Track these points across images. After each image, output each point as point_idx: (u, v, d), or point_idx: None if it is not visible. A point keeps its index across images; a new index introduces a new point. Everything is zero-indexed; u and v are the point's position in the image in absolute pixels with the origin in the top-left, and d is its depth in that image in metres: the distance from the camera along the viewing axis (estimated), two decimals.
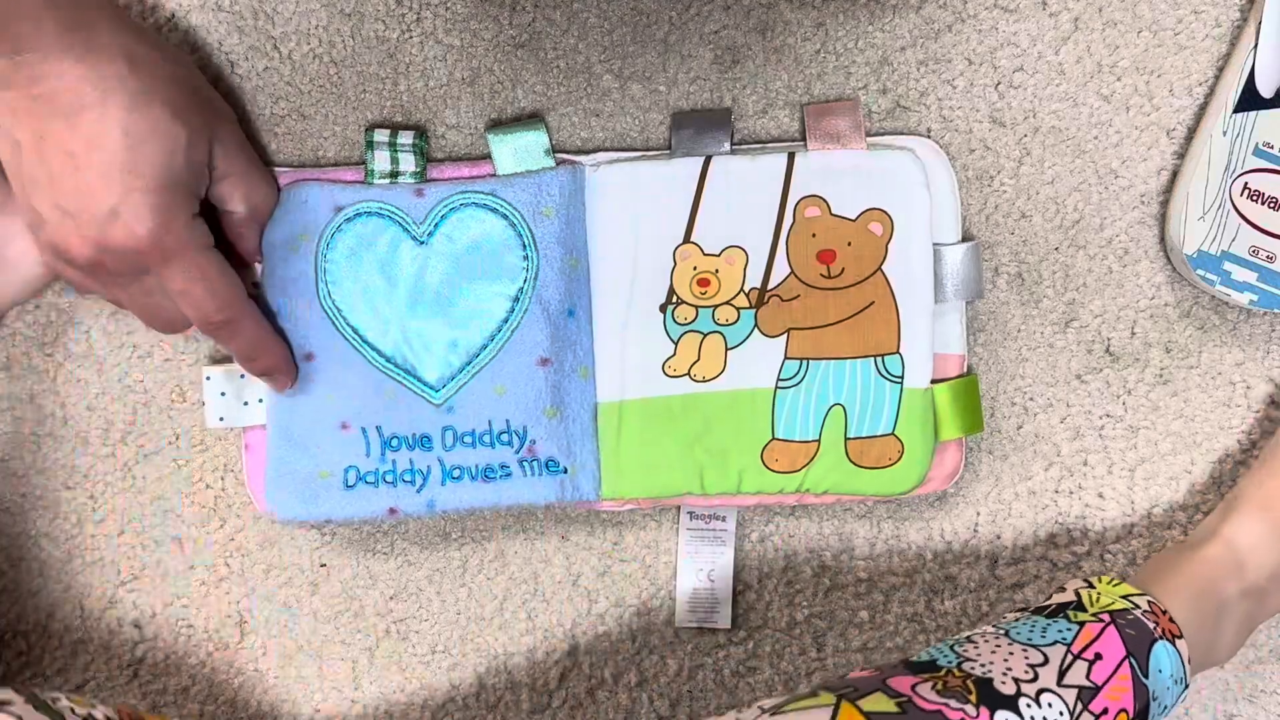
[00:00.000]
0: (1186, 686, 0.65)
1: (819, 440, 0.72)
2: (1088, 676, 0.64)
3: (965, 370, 0.74)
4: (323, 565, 0.78)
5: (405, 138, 0.72)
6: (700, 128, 0.73)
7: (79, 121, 0.60)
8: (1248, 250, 0.72)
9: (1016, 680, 0.63)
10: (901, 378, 0.72)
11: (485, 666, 0.79)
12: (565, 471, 0.73)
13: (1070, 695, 0.63)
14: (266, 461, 0.73)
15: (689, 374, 0.73)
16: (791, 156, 0.72)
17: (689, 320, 0.73)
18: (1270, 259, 0.72)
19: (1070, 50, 0.74)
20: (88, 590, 0.77)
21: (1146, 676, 0.64)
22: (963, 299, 0.73)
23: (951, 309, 0.73)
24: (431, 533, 0.78)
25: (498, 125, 0.74)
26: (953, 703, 0.60)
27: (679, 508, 0.77)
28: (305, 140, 0.74)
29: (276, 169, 0.73)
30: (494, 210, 0.72)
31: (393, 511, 0.73)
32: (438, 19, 0.73)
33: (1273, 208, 0.72)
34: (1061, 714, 0.62)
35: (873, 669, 0.63)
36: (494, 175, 0.72)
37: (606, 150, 0.74)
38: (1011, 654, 0.63)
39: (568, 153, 0.74)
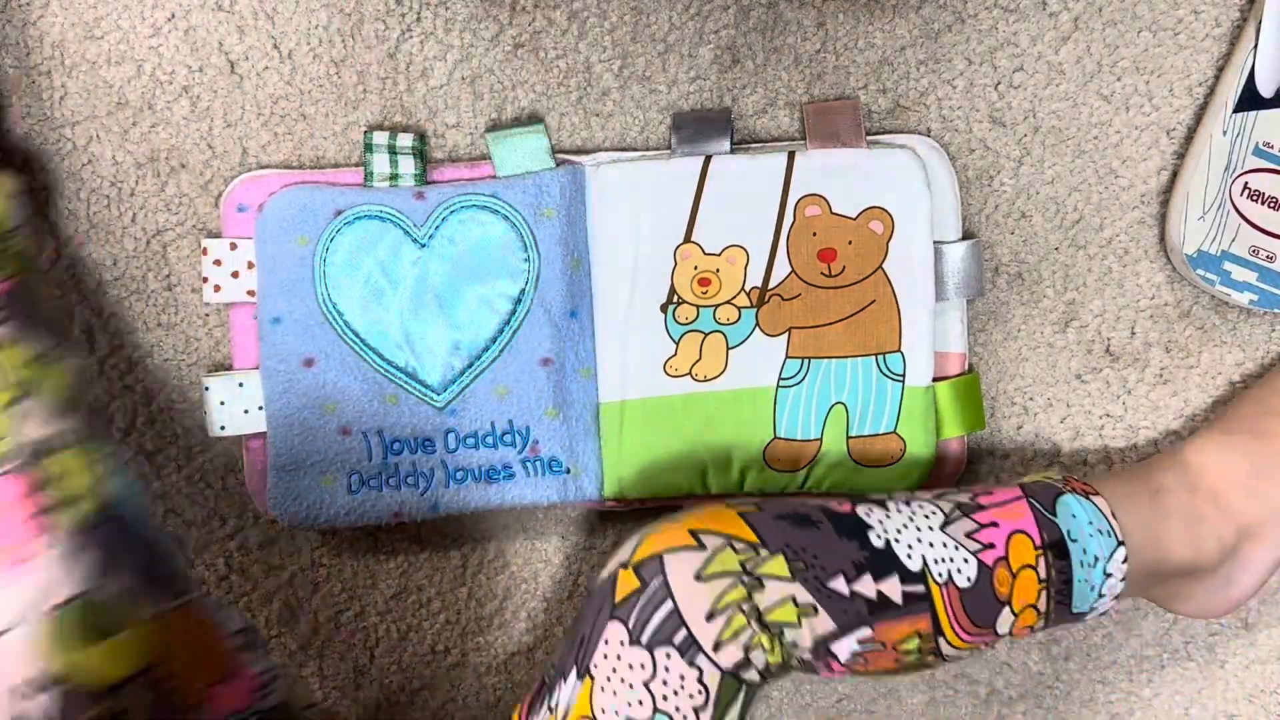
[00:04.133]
0: (1120, 544, 0.64)
1: (821, 439, 0.72)
2: (973, 499, 0.64)
3: (966, 368, 0.74)
4: (323, 565, 0.78)
5: (404, 140, 0.72)
6: (700, 127, 0.73)
7: None
8: (1248, 250, 0.72)
9: (891, 495, 0.65)
10: (903, 376, 0.72)
11: (485, 666, 0.78)
12: (568, 471, 0.73)
13: (947, 505, 0.64)
14: (269, 468, 0.73)
15: (690, 373, 0.73)
16: (791, 155, 0.72)
17: (690, 320, 0.73)
18: (1270, 259, 0.72)
19: (1070, 50, 0.74)
20: None
21: (1054, 516, 0.64)
22: (964, 297, 0.73)
23: (952, 307, 0.73)
24: (432, 533, 0.78)
25: (498, 126, 0.74)
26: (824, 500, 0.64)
27: (681, 507, 0.76)
28: (305, 140, 0.74)
29: (276, 170, 0.73)
30: (495, 212, 0.72)
31: (397, 515, 0.73)
32: (438, 19, 0.73)
33: (1273, 207, 0.72)
34: (931, 515, 0.63)
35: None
36: (494, 177, 0.72)
37: (606, 150, 0.74)
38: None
39: (568, 153, 0.74)
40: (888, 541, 0.61)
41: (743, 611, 0.59)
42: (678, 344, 0.73)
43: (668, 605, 0.59)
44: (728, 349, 0.73)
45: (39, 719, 0.58)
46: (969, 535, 0.62)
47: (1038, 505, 0.64)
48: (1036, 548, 0.62)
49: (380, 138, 0.72)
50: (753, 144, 0.74)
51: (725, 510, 0.63)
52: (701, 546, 0.60)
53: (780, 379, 0.72)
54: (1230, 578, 0.69)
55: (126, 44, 0.74)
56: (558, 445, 0.73)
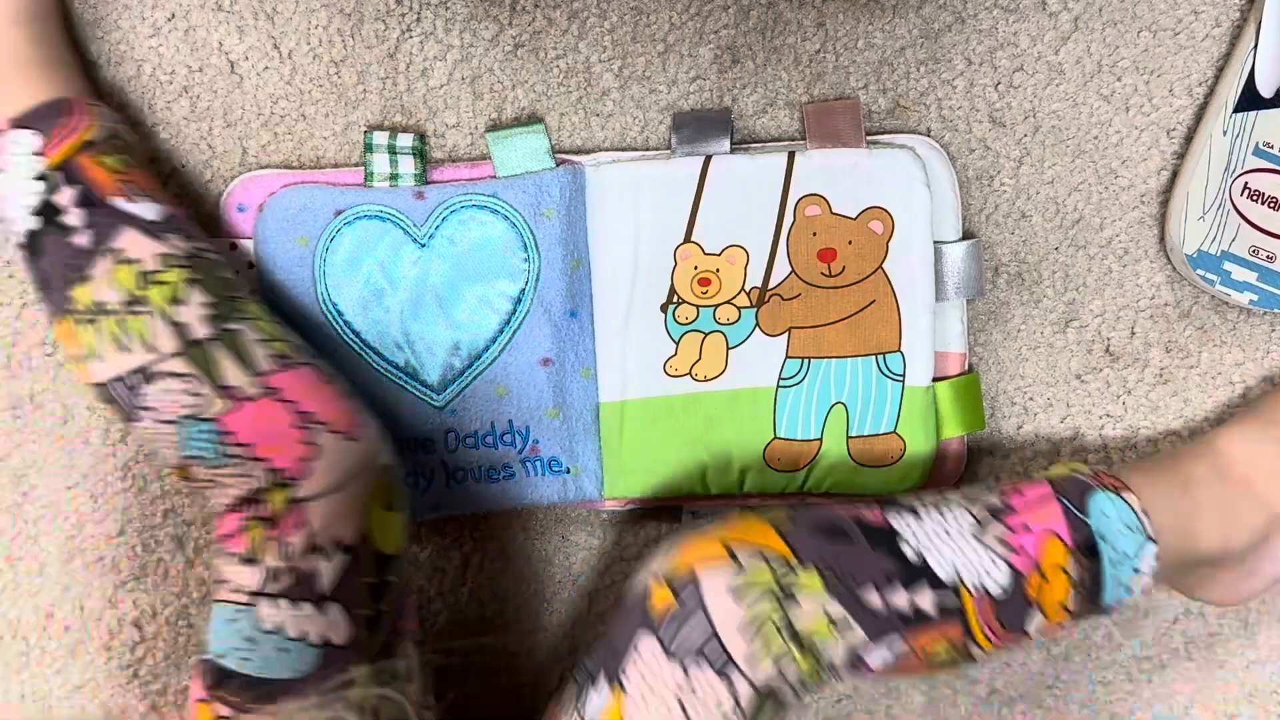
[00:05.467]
0: (1152, 540, 0.63)
1: (821, 439, 0.72)
2: (1003, 501, 0.64)
3: (966, 368, 0.74)
4: None
5: (404, 140, 0.72)
6: (700, 127, 0.73)
7: None
8: (1248, 250, 0.72)
9: (922, 500, 0.64)
10: (903, 376, 0.72)
11: (485, 666, 0.78)
12: (568, 471, 0.73)
13: (978, 510, 0.63)
14: None
15: (690, 373, 0.73)
16: (791, 156, 0.72)
17: (690, 320, 0.73)
18: (1270, 259, 0.72)
19: (1070, 50, 0.74)
20: (88, 590, 0.77)
21: (1085, 515, 0.63)
22: (964, 297, 0.73)
23: (952, 307, 0.73)
24: (432, 533, 0.78)
25: (498, 126, 0.74)
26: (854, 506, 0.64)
27: (680, 507, 0.77)
28: (305, 140, 0.74)
29: (276, 170, 0.73)
30: (495, 212, 0.72)
31: None
32: (438, 19, 0.74)
33: (1273, 208, 0.72)
34: (963, 520, 0.63)
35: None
36: (494, 177, 0.72)
37: (606, 150, 0.74)
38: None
39: (568, 153, 0.74)
40: (919, 552, 0.61)
41: (776, 626, 0.59)
42: (678, 344, 0.73)
43: (701, 619, 0.60)
44: (728, 349, 0.73)
45: (329, 577, 0.62)
46: (1000, 540, 0.62)
47: (1068, 504, 0.64)
48: (1068, 549, 0.62)
49: (380, 138, 0.72)
50: (753, 144, 0.74)
51: (758, 521, 0.63)
52: (735, 560, 0.61)
53: (780, 379, 0.73)
54: (1255, 567, 0.69)
55: (126, 44, 0.74)
56: (558, 445, 0.73)
